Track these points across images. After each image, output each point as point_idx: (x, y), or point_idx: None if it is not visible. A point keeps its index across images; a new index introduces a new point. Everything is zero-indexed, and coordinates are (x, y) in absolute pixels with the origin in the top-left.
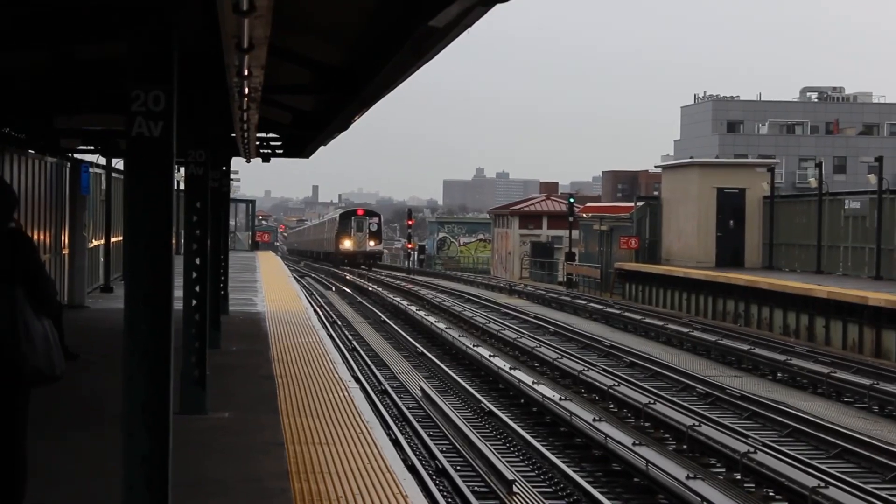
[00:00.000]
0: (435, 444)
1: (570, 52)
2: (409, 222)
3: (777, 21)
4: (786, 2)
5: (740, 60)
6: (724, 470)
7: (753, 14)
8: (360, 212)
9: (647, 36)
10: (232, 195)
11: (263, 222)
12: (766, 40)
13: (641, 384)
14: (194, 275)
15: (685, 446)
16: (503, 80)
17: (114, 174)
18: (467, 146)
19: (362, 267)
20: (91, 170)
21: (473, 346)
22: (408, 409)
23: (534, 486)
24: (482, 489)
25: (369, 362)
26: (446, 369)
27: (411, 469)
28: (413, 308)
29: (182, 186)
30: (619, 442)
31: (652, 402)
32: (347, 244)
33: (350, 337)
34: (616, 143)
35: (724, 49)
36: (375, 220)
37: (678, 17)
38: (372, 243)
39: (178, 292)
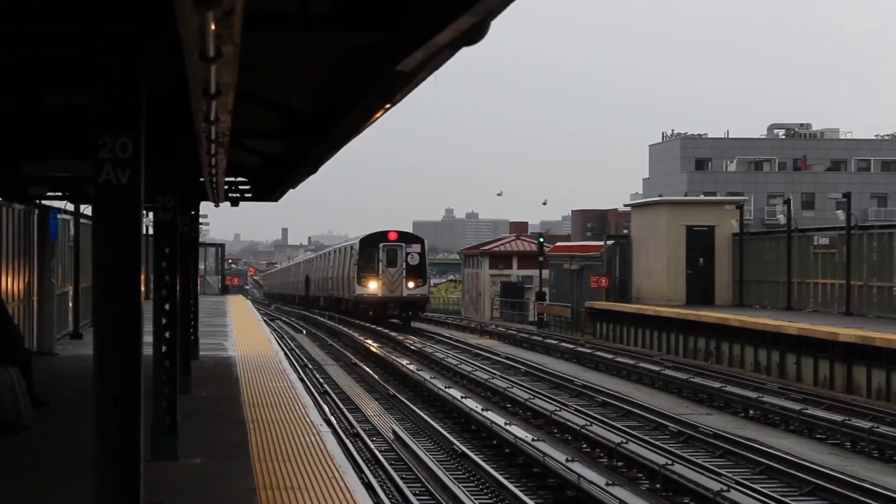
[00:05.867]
0: (408, 487)
1: (538, 77)
2: None
3: (748, 56)
4: (756, 38)
5: (707, 96)
6: None
7: (723, 50)
8: (392, 235)
9: (611, 69)
10: (201, 239)
11: (233, 266)
12: (735, 74)
13: (614, 423)
14: (164, 320)
15: (658, 486)
16: (473, 104)
17: (82, 220)
18: (436, 183)
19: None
20: (59, 216)
21: (445, 387)
22: (380, 451)
23: None
24: None
25: (341, 405)
26: (418, 411)
27: None
28: (384, 350)
29: (151, 231)
30: (592, 482)
31: (624, 441)
32: (373, 286)
33: (321, 380)
34: (585, 181)
35: (689, 83)
36: (416, 247)
37: (636, 51)
38: (411, 285)
39: (148, 338)
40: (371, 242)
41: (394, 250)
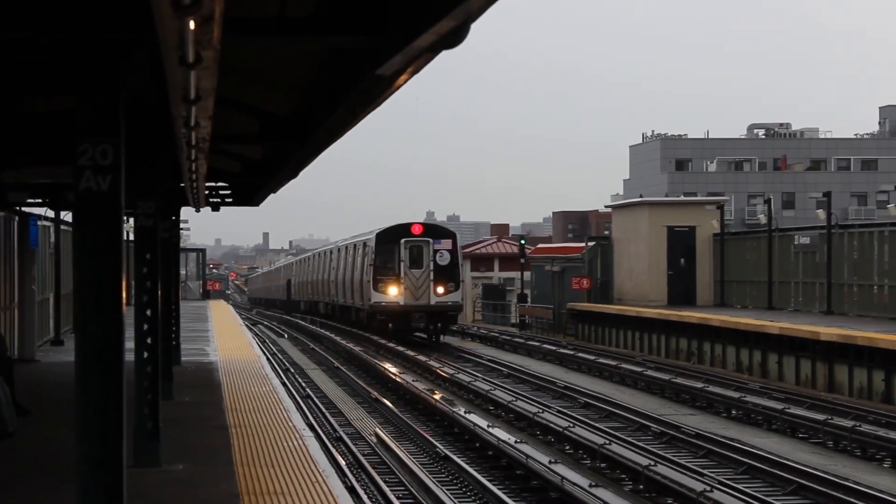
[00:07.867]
0: (391, 491)
1: (522, 79)
2: None
3: (727, 56)
4: (735, 38)
5: (687, 97)
6: None
7: (701, 50)
8: (416, 229)
9: (592, 72)
10: (182, 244)
11: (214, 271)
12: (715, 75)
13: (596, 425)
14: (145, 326)
15: (642, 486)
16: (451, 106)
17: (62, 227)
18: (416, 186)
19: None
20: (39, 223)
21: (427, 390)
22: (363, 455)
23: None
24: None
25: (323, 409)
26: (401, 415)
27: None
28: (366, 354)
29: (132, 237)
30: (575, 484)
31: (607, 442)
32: (393, 292)
33: (304, 384)
34: (565, 182)
35: (669, 84)
36: (447, 243)
37: (619, 53)
38: (441, 290)
39: (130, 343)
40: (390, 238)
41: (419, 247)
